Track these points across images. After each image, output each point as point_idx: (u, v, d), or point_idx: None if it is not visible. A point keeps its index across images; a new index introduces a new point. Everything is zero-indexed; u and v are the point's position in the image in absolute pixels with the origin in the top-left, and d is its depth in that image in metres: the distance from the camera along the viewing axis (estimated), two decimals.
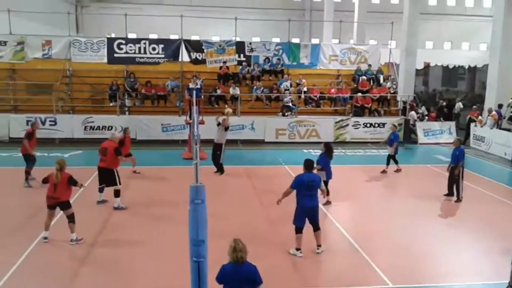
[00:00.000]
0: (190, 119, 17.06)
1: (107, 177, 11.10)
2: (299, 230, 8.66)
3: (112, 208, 11.09)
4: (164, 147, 18.89)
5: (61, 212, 9.22)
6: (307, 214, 8.61)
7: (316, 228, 8.78)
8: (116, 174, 11.05)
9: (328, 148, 11.52)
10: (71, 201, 9.14)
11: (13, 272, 7.75)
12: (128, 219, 10.52)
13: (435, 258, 8.80)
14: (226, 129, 14.56)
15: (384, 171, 15.32)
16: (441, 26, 41.07)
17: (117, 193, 11.10)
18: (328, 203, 11.53)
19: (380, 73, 23.90)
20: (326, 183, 11.13)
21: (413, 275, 8.04)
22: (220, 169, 14.52)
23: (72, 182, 8.89)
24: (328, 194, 11.02)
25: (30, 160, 13.08)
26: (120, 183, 11.14)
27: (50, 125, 19.39)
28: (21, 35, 21.45)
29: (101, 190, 11.40)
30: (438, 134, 21.81)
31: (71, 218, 8.91)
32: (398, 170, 15.36)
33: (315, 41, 32.27)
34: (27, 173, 12.93)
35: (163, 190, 12.94)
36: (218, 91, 20.98)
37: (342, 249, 9.25)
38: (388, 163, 15.34)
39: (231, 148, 18.93)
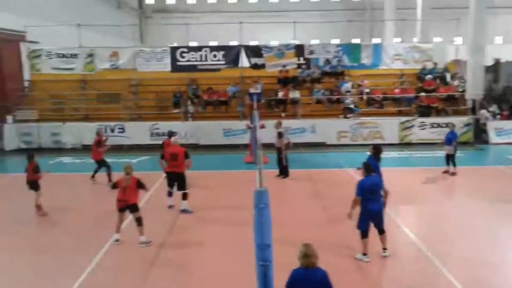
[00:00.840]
0: (251, 123, 17.24)
1: (178, 181, 11.34)
2: (364, 234, 8.47)
3: (178, 211, 11.37)
4: (226, 152, 19.18)
5: (130, 216, 9.58)
6: (371, 218, 8.42)
7: (381, 231, 8.57)
8: (185, 178, 11.33)
9: (377, 150, 11.19)
10: (139, 205, 9.50)
11: (90, 271, 8.15)
12: (194, 223, 10.75)
13: None
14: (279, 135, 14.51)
15: (446, 171, 14.70)
16: (511, 20, 38.85)
17: (185, 196, 11.37)
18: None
19: (447, 71, 22.96)
20: None
21: (486, 284, 7.59)
22: (283, 172, 14.50)
23: (140, 185, 9.34)
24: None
25: (105, 164, 14.06)
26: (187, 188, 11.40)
27: (119, 132, 20.28)
28: (90, 47, 22.67)
29: (170, 195, 11.66)
30: (511, 134, 20.58)
31: (139, 221, 9.29)
32: (453, 173, 14.61)
33: (376, 40, 31.59)
34: (109, 175, 13.90)
35: (225, 194, 13.11)
36: (280, 94, 21.03)
37: (410, 255, 8.90)
38: (448, 163, 14.72)
39: (292, 151, 18.93)
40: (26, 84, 23.37)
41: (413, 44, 24.12)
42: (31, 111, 20.32)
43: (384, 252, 8.61)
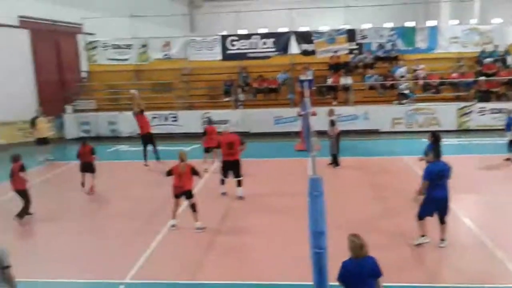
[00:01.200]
0: (302, 111, 17.11)
1: (235, 169, 11.50)
2: (421, 218, 8.31)
3: (230, 198, 11.51)
4: (277, 140, 19.16)
5: (185, 203, 9.79)
6: (437, 205, 8.17)
7: (443, 221, 8.31)
8: (240, 165, 11.52)
9: (436, 137, 10.81)
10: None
11: (148, 255, 8.44)
12: (246, 209, 10.87)
13: None
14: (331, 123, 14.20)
15: (508, 159, 13.94)
16: None
17: (240, 183, 11.54)
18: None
19: (508, 54, 21.71)
20: None
21: None
22: (334, 161, 14.34)
23: (195, 172, 9.55)
24: None
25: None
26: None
27: (172, 121, 20.70)
28: (144, 38, 23.17)
29: (223, 182, 11.81)
30: None
31: (194, 207, 9.48)
32: (510, 159, 13.88)
33: (431, 23, 30.37)
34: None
35: (277, 181, 13.11)
36: (329, 81, 20.70)
37: (470, 245, 8.59)
38: (510, 150, 13.95)
39: (344, 139, 18.66)
40: (83, 75, 24.28)
41: (471, 26, 22.98)
42: (89, 101, 21.09)
43: (442, 242, 8.37)
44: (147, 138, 15.33)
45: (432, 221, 8.33)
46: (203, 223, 9.51)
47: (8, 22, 21.04)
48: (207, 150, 14.27)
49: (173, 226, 9.64)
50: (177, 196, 9.56)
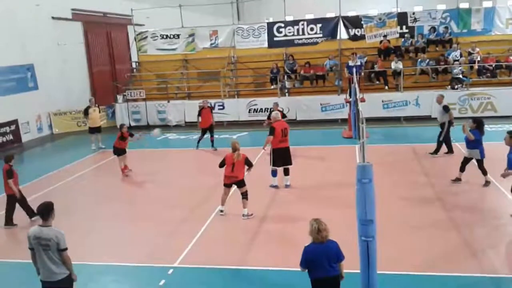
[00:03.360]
0: (350, 97, 16.79)
1: (288, 157, 11.39)
2: None
3: (279, 186, 11.51)
4: (324, 127, 18.92)
5: (233, 190, 9.86)
6: None
7: None
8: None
9: (479, 123, 10.37)
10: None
11: (196, 241, 8.59)
12: (293, 198, 10.84)
13: None
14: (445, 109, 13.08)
15: None
16: None
17: (288, 172, 11.47)
18: (487, 183, 10.44)
19: None
20: (481, 162, 10.41)
21: None
22: (448, 149, 13.46)
23: (248, 162, 9.49)
24: (485, 173, 10.38)
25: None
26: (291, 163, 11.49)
27: (219, 109, 20.85)
28: (191, 27, 23.39)
29: (275, 174, 11.54)
30: None
31: (245, 195, 9.50)
32: None
33: (487, 4, 28.91)
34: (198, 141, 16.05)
35: (324, 169, 12.95)
36: (376, 67, 20.15)
37: None
38: None
39: (394, 126, 18.20)
40: (133, 65, 24.88)
41: None
42: (139, 90, 21.62)
43: None
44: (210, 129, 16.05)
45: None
46: (250, 210, 9.55)
47: (61, 15, 21.85)
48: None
49: (221, 211, 9.70)
50: (227, 185, 9.56)
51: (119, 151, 13.43)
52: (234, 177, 9.37)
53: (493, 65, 19.57)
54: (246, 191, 9.52)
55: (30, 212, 9.91)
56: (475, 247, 7.77)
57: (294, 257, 7.70)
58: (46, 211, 5.63)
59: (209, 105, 16.46)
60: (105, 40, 25.09)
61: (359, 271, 5.61)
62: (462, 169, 10.85)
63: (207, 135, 15.98)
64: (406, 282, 6.83)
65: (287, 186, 11.46)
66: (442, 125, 13.08)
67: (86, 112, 17.27)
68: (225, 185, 9.57)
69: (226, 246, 8.45)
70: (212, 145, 15.84)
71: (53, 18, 21.36)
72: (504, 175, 8.58)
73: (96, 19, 24.40)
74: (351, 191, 5.53)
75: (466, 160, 10.75)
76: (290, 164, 11.45)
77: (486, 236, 8.15)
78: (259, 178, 11.96)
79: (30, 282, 6.52)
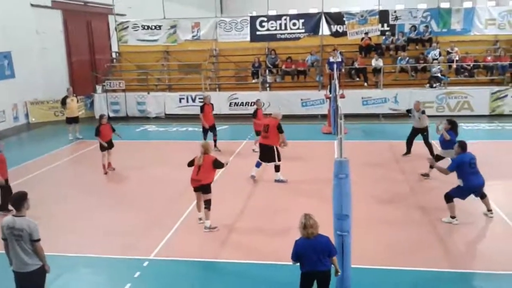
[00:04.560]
0: (330, 93, 16.88)
1: (267, 154, 11.36)
2: (451, 200, 8.55)
3: (258, 180, 11.52)
4: (304, 122, 19.00)
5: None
6: (475, 191, 8.59)
7: (483, 196, 8.71)
8: (276, 152, 11.29)
9: (453, 124, 10.63)
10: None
11: (172, 233, 8.56)
12: (273, 191, 10.87)
13: None
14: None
15: None
16: None
17: (277, 168, 11.40)
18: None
19: None
20: None
21: None
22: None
23: (216, 165, 8.57)
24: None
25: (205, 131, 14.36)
26: (279, 160, 11.36)
27: (200, 102, 20.68)
28: (173, 19, 23.19)
29: (257, 165, 11.62)
30: None
31: (207, 204, 8.56)
32: None
33: (467, 4, 29.39)
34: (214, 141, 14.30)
35: (303, 163, 13.02)
36: (355, 64, 20.29)
37: (498, 232, 8.44)
38: None
39: (372, 122, 18.40)
40: (114, 55, 24.56)
41: (509, 7, 22.09)
42: (118, 81, 21.35)
43: (490, 213, 8.79)
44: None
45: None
46: (212, 223, 8.71)
47: (41, 2, 21.41)
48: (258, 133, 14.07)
49: (200, 219, 8.92)
50: (194, 189, 8.71)
51: (107, 145, 12.58)
52: (197, 180, 8.49)
53: (471, 65, 19.92)
54: (210, 200, 8.55)
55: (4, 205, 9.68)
56: (444, 243, 7.93)
57: (271, 250, 7.79)
58: (19, 201, 5.55)
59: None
60: (85, 29, 24.67)
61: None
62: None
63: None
64: (376, 276, 6.93)
65: (276, 181, 11.41)
66: (425, 129, 12.95)
67: (63, 101, 17.01)
68: (193, 189, 8.73)
69: (203, 239, 8.43)
70: (215, 146, 14.56)
71: (32, 5, 20.91)
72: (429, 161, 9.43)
73: (76, 7, 23.98)
74: (329, 186, 5.59)
75: (437, 158, 10.98)
76: (272, 161, 11.39)
77: (456, 233, 8.33)
78: (240, 170, 12.02)
79: (3, 273, 6.41)
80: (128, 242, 8.29)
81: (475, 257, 7.61)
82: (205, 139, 14.09)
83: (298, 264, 5.57)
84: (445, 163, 10.26)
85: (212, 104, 14.90)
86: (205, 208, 8.61)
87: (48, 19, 22.01)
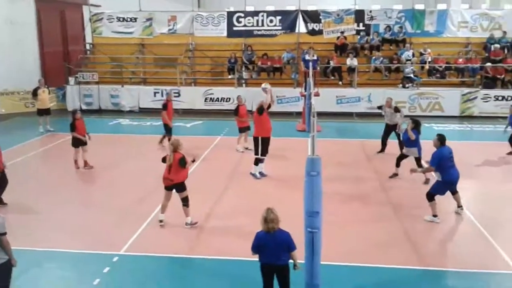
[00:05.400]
0: (305, 91, 17.00)
1: (255, 146, 11.42)
2: (433, 198, 8.81)
3: (232, 174, 11.55)
4: (279, 119, 19.04)
5: None
6: (452, 185, 8.82)
7: (455, 191, 9.00)
8: (259, 143, 11.33)
9: (417, 123, 10.89)
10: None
11: (143, 228, 8.51)
12: (247, 186, 10.90)
13: None
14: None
15: (511, 153, 13.43)
16: None
17: (255, 162, 11.50)
18: (427, 181, 10.84)
19: None
20: (419, 160, 10.96)
21: None
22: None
23: (181, 163, 8.32)
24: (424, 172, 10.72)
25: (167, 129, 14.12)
26: (262, 153, 11.41)
27: (175, 96, 20.55)
28: (149, 11, 22.93)
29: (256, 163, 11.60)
30: None
31: (185, 201, 8.55)
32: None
33: (441, 6, 29.96)
34: (168, 139, 13.90)
35: (277, 160, 13.07)
36: (331, 63, 20.48)
37: (466, 232, 8.67)
38: None
39: (346, 121, 18.61)
40: (87, 47, 24.13)
41: (482, 11, 22.64)
42: (92, 73, 21.01)
43: (461, 209, 9.11)
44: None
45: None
46: (193, 218, 8.74)
47: None
48: (241, 130, 14.00)
49: (161, 221, 8.69)
50: (166, 188, 8.53)
51: (77, 142, 12.19)
52: (170, 179, 8.40)
53: (443, 66, 20.36)
54: (187, 197, 8.51)
55: None
56: (414, 241, 8.11)
57: (243, 246, 7.80)
58: None
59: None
60: (58, 20, 24.13)
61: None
62: (397, 164, 11.37)
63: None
64: (346, 273, 7.05)
65: (251, 174, 11.57)
66: (395, 126, 13.09)
67: (34, 93, 16.65)
68: (164, 188, 8.57)
69: (175, 234, 8.40)
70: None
71: None
72: (412, 171, 9.43)
73: None
74: (302, 183, 5.64)
75: (402, 156, 11.23)
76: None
77: (425, 231, 8.54)
78: (214, 166, 12.01)
79: None
80: (98, 237, 8.21)
81: (444, 255, 7.79)
82: (169, 136, 13.85)
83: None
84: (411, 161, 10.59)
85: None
86: (183, 205, 8.56)
87: (20, 8, 21.46)
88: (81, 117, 12.51)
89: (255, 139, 11.36)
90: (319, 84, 18.32)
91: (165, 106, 14.18)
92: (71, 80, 21.29)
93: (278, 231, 5.57)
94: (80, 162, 12.31)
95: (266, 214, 5.56)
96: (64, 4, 24.29)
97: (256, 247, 5.65)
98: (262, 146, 11.28)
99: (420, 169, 9.52)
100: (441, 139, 8.78)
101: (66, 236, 8.28)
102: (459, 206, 9.11)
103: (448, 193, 8.97)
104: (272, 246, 5.54)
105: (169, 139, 13.72)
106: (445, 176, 8.67)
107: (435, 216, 8.81)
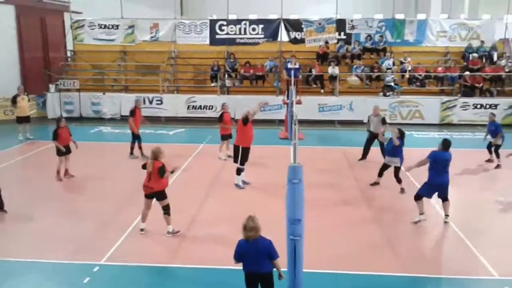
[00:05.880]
0: (287, 99, 17.09)
1: (234, 154, 11.36)
2: (419, 198, 9.11)
3: (212, 183, 11.51)
4: (262, 126, 19.10)
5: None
6: (439, 189, 9.03)
7: (445, 199, 9.16)
8: (239, 152, 11.21)
9: (402, 134, 11.03)
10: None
11: (125, 238, 8.40)
12: (228, 196, 10.89)
13: None
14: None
15: (489, 160, 13.71)
16: None
17: (237, 171, 11.40)
18: (402, 191, 10.97)
19: (494, 50, 21.90)
20: (398, 169, 11.01)
21: None
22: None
23: (160, 172, 8.20)
24: (400, 182, 11.00)
25: (134, 136, 13.97)
26: (241, 162, 11.29)
27: (157, 104, 20.51)
28: (132, 19, 22.86)
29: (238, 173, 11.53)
30: None
31: (166, 210, 8.45)
32: (498, 166, 13.35)
33: (421, 16, 30.45)
34: (139, 147, 13.93)
35: (260, 168, 13.11)
36: (313, 71, 20.65)
37: (447, 240, 8.83)
38: (490, 152, 13.68)
39: (328, 129, 18.76)
40: (69, 54, 23.90)
41: (460, 20, 23.12)
42: (73, 80, 20.80)
43: (446, 218, 9.20)
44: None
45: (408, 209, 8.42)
46: (175, 227, 8.65)
47: None
48: (224, 137, 13.96)
49: (142, 230, 8.62)
50: (146, 196, 8.47)
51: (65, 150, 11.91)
52: (150, 187, 8.31)
53: (423, 75, 20.71)
54: (168, 205, 8.42)
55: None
56: (393, 247, 8.19)
57: (225, 254, 7.78)
58: None
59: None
60: (38, 26, 23.80)
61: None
62: (380, 174, 11.46)
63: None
64: (328, 280, 7.07)
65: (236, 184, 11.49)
66: (378, 134, 13.11)
67: (14, 100, 16.42)
68: (144, 196, 8.49)
69: (156, 243, 8.33)
70: (140, 151, 14.21)
71: None
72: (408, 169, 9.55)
73: (30, 3, 23.13)
74: (284, 191, 5.66)
75: (384, 167, 11.32)
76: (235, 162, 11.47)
77: (406, 238, 8.64)
78: (196, 174, 11.95)
79: None
80: (78, 247, 8.08)
81: (425, 262, 7.83)
82: (134, 143, 13.91)
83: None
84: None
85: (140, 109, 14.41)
86: (164, 214, 8.46)
87: (0, 15, 21.17)
88: (66, 125, 12.21)
89: (236, 148, 11.34)
90: (301, 92, 18.45)
91: (132, 113, 13.94)
92: (52, 87, 21.03)
93: (260, 239, 5.55)
94: (62, 171, 12.08)
95: (246, 222, 5.54)
96: (45, 10, 24.02)
97: (238, 255, 5.63)
98: (242, 155, 11.24)
99: (414, 164, 9.40)
100: (443, 144, 9.16)
101: (46, 246, 8.14)
102: (446, 215, 9.21)
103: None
104: (252, 254, 5.52)
105: (139, 147, 13.87)
106: (434, 179, 8.94)
107: (421, 214, 9.15)
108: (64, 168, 12.09)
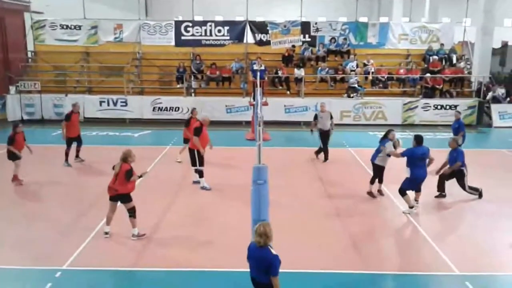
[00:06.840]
0: (254, 100, 17.16)
1: (191, 157, 11.33)
2: (405, 193, 9.63)
3: (181, 186, 11.43)
4: (228, 128, 19.14)
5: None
6: (419, 182, 9.65)
7: (418, 190, 9.83)
8: (196, 155, 11.18)
9: (417, 138, 10.99)
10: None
11: (88, 242, 8.23)
12: (195, 197, 10.83)
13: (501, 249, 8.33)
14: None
15: None
16: None
17: (200, 174, 11.34)
18: (370, 194, 10.86)
19: (453, 52, 22.67)
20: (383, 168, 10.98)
21: (479, 264, 7.67)
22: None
23: (127, 176, 8.09)
24: (381, 182, 10.91)
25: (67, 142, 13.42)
26: (201, 165, 11.26)
27: (121, 105, 20.22)
28: (94, 19, 22.48)
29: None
30: None
31: (131, 212, 8.33)
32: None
33: (383, 19, 31.22)
34: (66, 153, 13.38)
35: (227, 169, 13.12)
36: (279, 73, 20.82)
37: (411, 238, 9.05)
38: None
39: (294, 130, 18.94)
40: (29, 54, 23.26)
41: (420, 24, 23.83)
42: (34, 82, 20.25)
43: (417, 203, 9.87)
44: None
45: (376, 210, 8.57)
46: (141, 230, 8.52)
47: None
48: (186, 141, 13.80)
49: (106, 233, 8.44)
50: (111, 198, 8.31)
51: (14, 156, 11.47)
52: (114, 189, 8.16)
53: (385, 77, 21.20)
54: (133, 208, 8.31)
55: None
56: (357, 245, 8.33)
57: (191, 257, 7.75)
58: None
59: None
60: None
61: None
62: (372, 182, 11.07)
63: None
64: (294, 280, 7.13)
65: (202, 188, 11.38)
66: (329, 131, 13.81)
67: None
68: (109, 198, 8.32)
69: (121, 246, 8.19)
70: (77, 156, 13.99)
71: None
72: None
73: None
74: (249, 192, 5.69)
75: (377, 167, 11.16)
76: (193, 165, 11.46)
77: (369, 236, 8.81)
78: (162, 177, 11.84)
79: None
80: (40, 253, 7.86)
81: (389, 259, 7.98)
82: (69, 149, 13.44)
83: None
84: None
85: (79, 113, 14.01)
86: (130, 216, 8.33)
87: None
88: (22, 131, 11.85)
89: (191, 151, 11.33)
90: (267, 93, 18.57)
91: (67, 117, 13.36)
92: (12, 89, 20.45)
93: (266, 249, 5.20)
94: (21, 174, 11.73)
95: (257, 226, 5.26)
96: (4, 10, 23.27)
97: (247, 257, 5.43)
98: (199, 157, 11.23)
99: (393, 151, 10.12)
100: (416, 139, 9.59)
101: (5, 252, 7.89)
102: (416, 200, 9.84)
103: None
104: (253, 260, 5.35)
105: (66, 153, 13.31)
106: (415, 174, 9.50)
107: (411, 207, 9.67)
108: (14, 173, 11.64)
